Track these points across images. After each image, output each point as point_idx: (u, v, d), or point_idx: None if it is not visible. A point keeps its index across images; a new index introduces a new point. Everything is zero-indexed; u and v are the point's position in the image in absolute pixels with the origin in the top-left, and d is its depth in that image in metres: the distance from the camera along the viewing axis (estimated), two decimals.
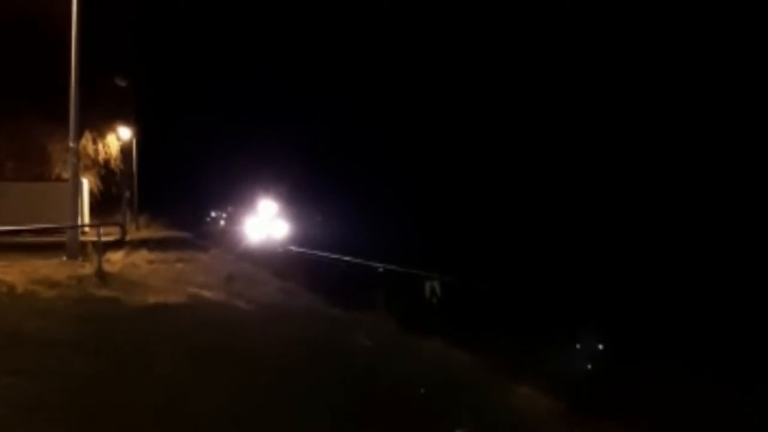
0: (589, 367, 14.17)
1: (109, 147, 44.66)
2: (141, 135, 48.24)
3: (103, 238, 20.19)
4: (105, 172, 44.68)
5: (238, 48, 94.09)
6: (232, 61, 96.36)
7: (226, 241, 41.07)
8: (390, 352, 12.91)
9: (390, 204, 47.66)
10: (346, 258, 31.56)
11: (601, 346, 17.10)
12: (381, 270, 26.62)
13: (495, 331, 17.68)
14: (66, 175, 27.89)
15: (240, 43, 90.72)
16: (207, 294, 17.06)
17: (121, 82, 41.99)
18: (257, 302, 16.89)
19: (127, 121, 44.10)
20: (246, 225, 50.30)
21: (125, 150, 46.12)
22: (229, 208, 72.82)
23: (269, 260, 30.35)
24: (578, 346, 17.19)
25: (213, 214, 79.11)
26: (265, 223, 48.03)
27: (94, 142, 43.23)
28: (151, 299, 15.24)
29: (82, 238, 22.93)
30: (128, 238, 29.73)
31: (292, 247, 40.74)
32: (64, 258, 20.79)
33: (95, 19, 24.38)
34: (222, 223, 73.11)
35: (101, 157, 44.07)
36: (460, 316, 21.00)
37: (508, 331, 17.77)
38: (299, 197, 49.18)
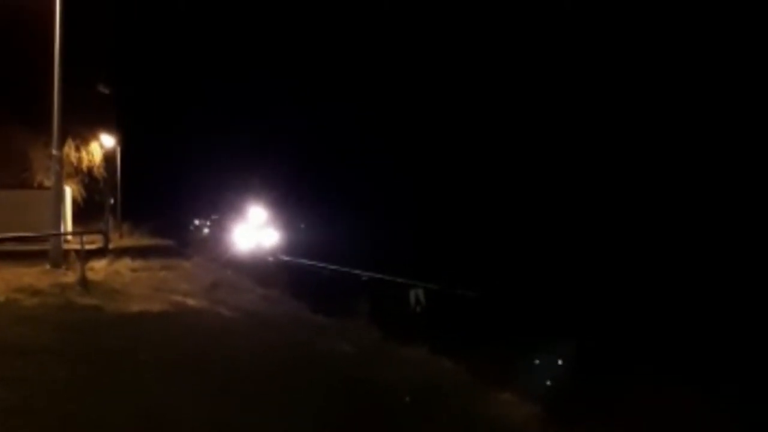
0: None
1: (92, 154, 44.39)
2: (124, 143, 48.03)
3: (87, 247, 20.12)
4: (88, 179, 44.41)
5: (224, 56, 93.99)
6: (216, 69, 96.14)
7: (209, 250, 40.88)
8: (373, 359, 12.94)
9: (382, 210, 47.60)
10: (332, 266, 31.61)
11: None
12: (365, 278, 26.66)
13: (478, 339, 17.77)
14: (48, 182, 27.75)
15: (226, 51, 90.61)
16: (190, 302, 17.03)
17: (104, 90, 41.83)
18: (241, 310, 16.89)
19: (110, 128, 43.86)
20: (234, 233, 49.76)
21: (108, 158, 45.88)
22: (213, 216, 72.56)
23: (257, 269, 30.22)
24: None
25: (197, 222, 78.79)
26: (255, 230, 47.56)
27: (77, 149, 42.97)
28: (134, 307, 15.20)
29: (65, 247, 22.82)
30: (111, 246, 29.61)
31: (283, 257, 40.50)
32: (47, 266, 20.68)
33: (78, 26, 24.30)
34: (206, 231, 72.85)
35: (84, 164, 43.81)
36: (444, 324, 21.09)
37: (492, 338, 17.87)
38: (288, 204, 48.42)
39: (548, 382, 15.23)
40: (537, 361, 16.19)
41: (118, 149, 47.21)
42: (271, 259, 38.88)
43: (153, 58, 69.72)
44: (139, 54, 57.79)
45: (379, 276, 26.28)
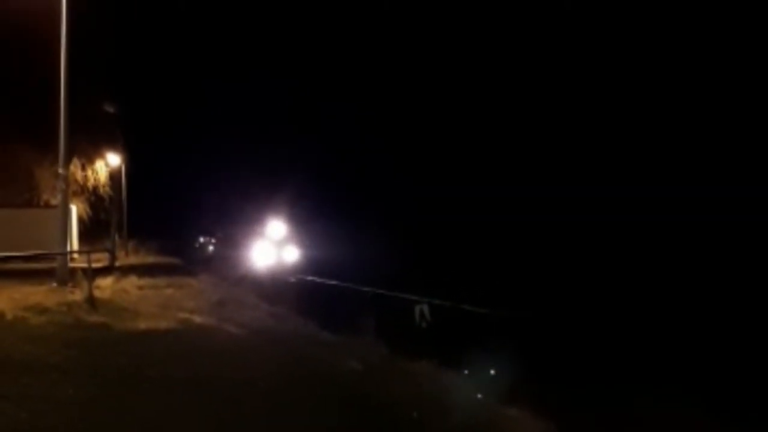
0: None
1: (97, 173, 44.62)
2: (130, 161, 48.22)
3: (93, 265, 20.15)
4: (94, 198, 44.61)
5: (228, 66, 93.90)
6: (220, 81, 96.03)
7: (216, 268, 40.72)
8: (381, 375, 12.94)
9: (386, 224, 47.20)
10: (338, 282, 31.55)
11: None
12: (371, 294, 26.65)
13: (485, 354, 17.74)
14: (54, 201, 27.82)
15: (229, 61, 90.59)
16: (197, 319, 17.04)
17: (110, 108, 42.02)
18: (248, 327, 16.90)
19: (115, 147, 44.07)
20: (246, 249, 48.85)
21: (114, 176, 46.06)
22: (219, 234, 72.66)
23: (267, 287, 30.05)
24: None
25: (201, 239, 78.91)
26: (272, 247, 46.10)
27: (83, 168, 43.20)
28: (142, 325, 15.22)
29: (72, 265, 22.87)
30: (117, 264, 29.65)
31: (302, 275, 39.03)
32: (54, 284, 20.72)
33: (84, 46, 24.46)
34: (210, 248, 72.92)
35: (90, 183, 44.03)
36: (450, 339, 21.07)
37: (498, 353, 17.82)
38: (303, 219, 46.53)
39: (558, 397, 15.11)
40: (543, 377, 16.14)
41: (123, 167, 47.38)
42: (292, 279, 37.17)
43: (157, 75, 69.92)
44: (143, 71, 57.97)
45: (384, 292, 26.25)
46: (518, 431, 11.08)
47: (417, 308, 23.86)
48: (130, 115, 47.09)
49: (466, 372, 16.55)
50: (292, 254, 42.27)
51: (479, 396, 13.47)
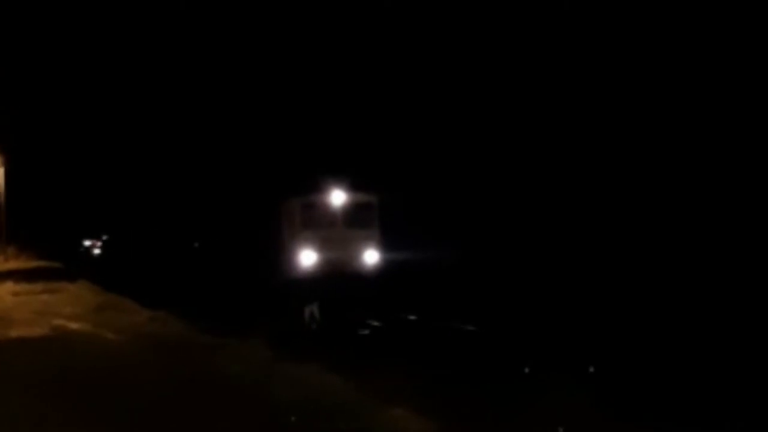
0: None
1: None
2: (9, 164, 46.59)
3: None
4: None
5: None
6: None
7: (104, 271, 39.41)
8: (262, 378, 12.66)
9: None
10: (224, 281, 30.91)
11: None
12: (257, 294, 26.16)
13: (375, 355, 17.60)
14: None
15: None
16: (73, 326, 16.49)
17: None
18: (126, 332, 16.41)
19: None
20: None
21: None
22: (104, 237, 70.92)
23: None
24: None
25: (87, 243, 76.82)
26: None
27: None
28: (14, 332, 14.66)
29: None
30: None
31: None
32: None
33: None
34: (96, 252, 71.10)
35: None
36: (341, 340, 20.86)
37: (390, 354, 17.69)
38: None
39: (444, 396, 14.96)
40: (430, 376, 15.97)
41: (2, 171, 45.80)
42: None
43: (34, 76, 67.44)
44: (19, 72, 55.87)
45: (272, 291, 25.80)
46: (400, 430, 10.91)
47: (307, 309, 23.56)
48: (9, 118, 45.46)
49: (354, 372, 16.29)
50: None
51: (365, 397, 13.26)
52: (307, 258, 24.95)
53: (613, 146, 37.99)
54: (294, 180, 28.44)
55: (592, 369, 15.59)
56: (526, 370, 16.38)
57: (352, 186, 25.83)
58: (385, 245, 26.21)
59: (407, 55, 49.01)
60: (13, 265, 38.69)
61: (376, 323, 23.48)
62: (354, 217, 25.61)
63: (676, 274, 27.38)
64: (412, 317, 23.98)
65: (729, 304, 21.86)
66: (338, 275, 24.74)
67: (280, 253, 26.11)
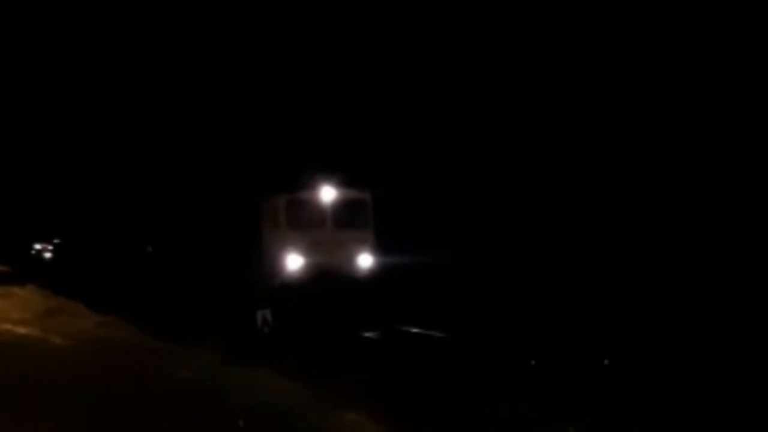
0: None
1: None
2: None
3: None
4: None
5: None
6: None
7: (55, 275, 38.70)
8: (212, 383, 12.50)
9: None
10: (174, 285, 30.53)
11: None
12: (210, 299, 25.88)
13: (329, 359, 17.46)
14: None
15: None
16: (21, 330, 16.22)
17: None
18: (74, 338, 16.14)
19: None
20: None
21: None
22: (55, 240, 69.79)
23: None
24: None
25: (38, 246, 75.65)
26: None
27: None
28: None
29: None
30: None
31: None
32: None
33: None
34: (47, 255, 70.02)
35: None
36: (296, 345, 20.65)
37: (344, 358, 17.57)
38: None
39: (400, 401, 14.86)
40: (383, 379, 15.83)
41: None
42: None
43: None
44: None
45: (224, 297, 25.50)
46: None
47: (259, 313, 23.31)
48: None
49: (307, 376, 16.15)
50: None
51: (317, 402, 13.14)
52: (294, 263, 22.64)
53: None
54: (275, 175, 26.21)
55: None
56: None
57: (344, 181, 23.67)
58: (380, 248, 24.05)
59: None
60: None
61: (370, 334, 21.70)
62: (346, 216, 23.39)
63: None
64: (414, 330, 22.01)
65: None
66: (328, 282, 22.44)
67: (258, 258, 23.78)
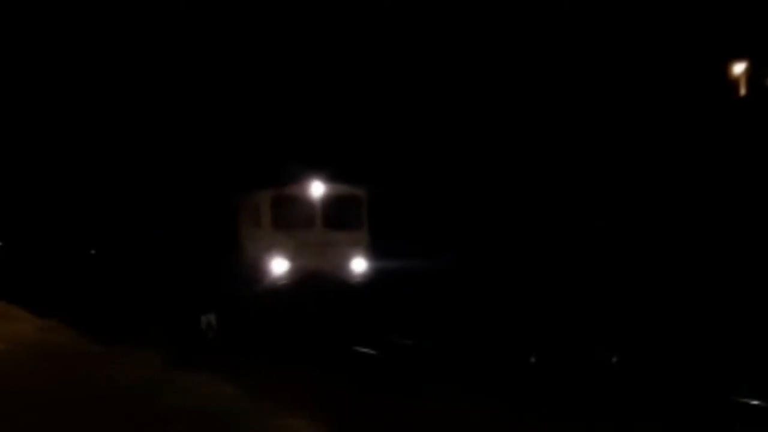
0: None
1: None
2: None
3: None
4: None
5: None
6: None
7: None
8: (152, 388, 12.44)
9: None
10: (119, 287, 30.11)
11: None
12: (156, 303, 25.63)
13: (276, 363, 17.40)
14: None
15: None
16: None
17: None
18: (10, 341, 15.96)
19: None
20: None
21: None
22: None
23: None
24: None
25: None
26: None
27: None
28: None
29: None
30: None
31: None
32: None
33: None
34: None
35: None
36: (240, 350, 20.50)
37: (296, 363, 17.48)
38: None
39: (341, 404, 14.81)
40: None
41: None
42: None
43: None
44: None
45: (169, 300, 25.28)
46: None
47: (203, 318, 23.14)
48: None
49: (249, 380, 16.08)
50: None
51: (257, 406, 13.11)
52: (279, 267, 20.54)
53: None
54: (255, 168, 24.11)
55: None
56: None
57: (335, 175, 21.64)
58: (376, 250, 21.99)
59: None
60: None
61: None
62: (337, 214, 21.28)
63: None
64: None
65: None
66: (317, 289, 20.26)
67: (234, 262, 21.66)
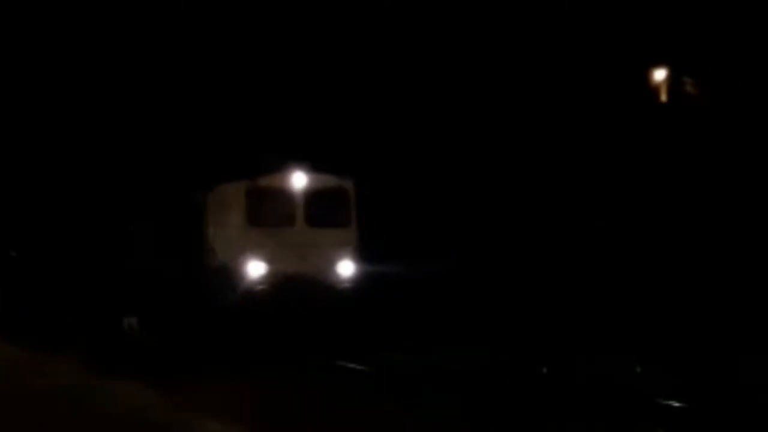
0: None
1: None
2: None
3: None
4: None
5: None
6: None
7: None
8: (71, 394, 12.29)
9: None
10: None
11: None
12: (76, 306, 25.20)
13: (197, 366, 17.27)
14: None
15: None
16: None
17: None
18: None
19: None
20: None
21: None
22: None
23: None
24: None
25: None
26: None
27: None
28: None
29: None
30: None
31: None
32: None
33: None
34: None
35: None
36: (162, 353, 20.28)
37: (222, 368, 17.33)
38: None
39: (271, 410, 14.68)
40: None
41: None
42: None
43: None
44: None
45: (86, 303, 24.86)
46: None
47: (125, 321, 22.88)
48: None
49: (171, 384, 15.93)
50: None
51: (179, 412, 13.01)
52: (254, 270, 18.28)
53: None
54: (223, 157, 21.88)
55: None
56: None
57: (319, 166, 19.48)
58: (365, 251, 19.87)
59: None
60: None
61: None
62: (322, 210, 19.04)
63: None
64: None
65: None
66: (298, 295, 18.25)
67: (196, 264, 19.40)
